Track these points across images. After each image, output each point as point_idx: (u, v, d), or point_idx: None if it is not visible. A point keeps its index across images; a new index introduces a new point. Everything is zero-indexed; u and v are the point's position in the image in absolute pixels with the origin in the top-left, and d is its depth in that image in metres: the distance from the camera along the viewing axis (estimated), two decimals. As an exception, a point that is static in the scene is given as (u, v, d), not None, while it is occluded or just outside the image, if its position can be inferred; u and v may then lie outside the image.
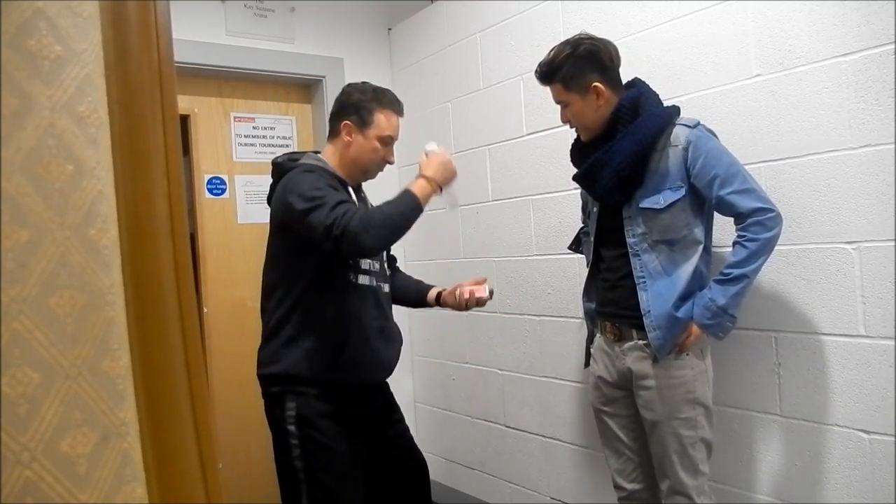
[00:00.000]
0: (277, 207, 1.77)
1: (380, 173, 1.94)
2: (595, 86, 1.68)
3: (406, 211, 1.68)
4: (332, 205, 1.62)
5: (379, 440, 1.92)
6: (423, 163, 1.79)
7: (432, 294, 2.04)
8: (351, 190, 1.86)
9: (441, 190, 1.77)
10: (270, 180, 1.89)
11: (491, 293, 1.96)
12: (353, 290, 1.79)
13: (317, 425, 1.75)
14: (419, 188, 1.71)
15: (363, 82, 1.92)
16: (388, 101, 1.87)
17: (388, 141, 1.87)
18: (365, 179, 1.94)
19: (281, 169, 1.84)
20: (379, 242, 1.66)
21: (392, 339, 1.91)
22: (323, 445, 1.75)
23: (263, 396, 1.84)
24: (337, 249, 1.61)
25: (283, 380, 1.76)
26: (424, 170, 1.76)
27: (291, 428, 1.75)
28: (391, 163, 1.92)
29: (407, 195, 1.69)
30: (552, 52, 1.72)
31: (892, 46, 1.53)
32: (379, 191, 1.98)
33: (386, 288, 1.92)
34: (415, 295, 2.07)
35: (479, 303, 1.95)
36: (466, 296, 1.93)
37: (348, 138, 1.85)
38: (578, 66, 1.68)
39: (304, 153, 1.91)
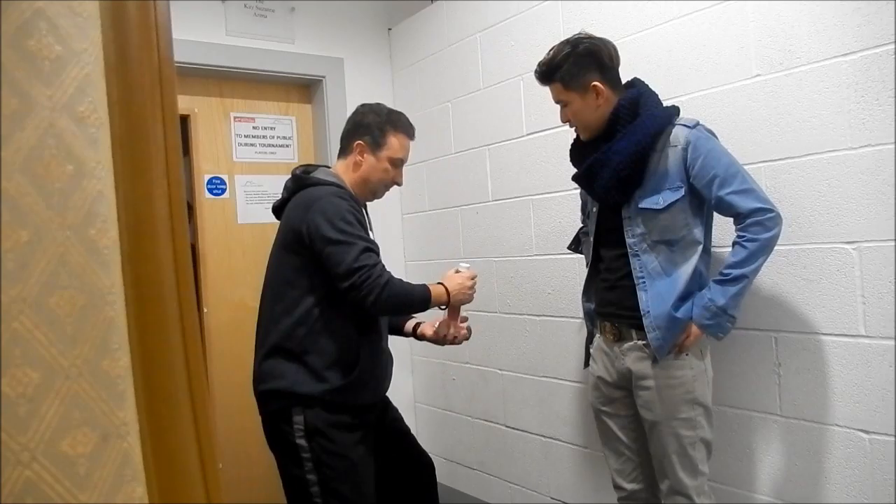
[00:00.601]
0: (297, 223, 1.74)
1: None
2: (595, 85, 1.68)
3: (417, 301, 1.79)
4: (361, 248, 1.67)
5: (382, 442, 1.92)
6: (449, 275, 1.90)
7: (409, 324, 2.05)
8: (365, 213, 1.88)
9: (447, 304, 1.87)
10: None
11: (469, 331, 1.98)
12: (367, 312, 1.77)
13: (328, 435, 1.72)
14: (436, 292, 1.83)
15: (377, 104, 1.96)
16: (402, 124, 1.92)
17: (398, 163, 1.91)
18: (372, 199, 1.96)
19: (300, 182, 1.84)
20: (383, 308, 1.74)
21: (391, 358, 1.94)
22: (336, 455, 1.72)
23: (264, 414, 1.80)
24: (344, 290, 1.67)
25: (286, 395, 1.73)
26: (447, 281, 1.87)
27: (301, 441, 1.71)
28: (399, 184, 1.96)
29: (425, 290, 1.81)
30: (552, 52, 1.72)
31: (892, 46, 1.53)
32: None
33: None
34: (393, 321, 2.03)
35: (462, 337, 1.97)
36: (446, 332, 1.95)
37: (360, 158, 1.88)
38: (578, 64, 1.68)
39: (317, 167, 1.93)
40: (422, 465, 2.01)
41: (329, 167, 1.95)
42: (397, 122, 1.91)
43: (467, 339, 2.00)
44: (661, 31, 2.02)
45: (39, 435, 0.43)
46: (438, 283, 1.86)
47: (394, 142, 1.89)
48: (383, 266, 1.71)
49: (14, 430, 0.42)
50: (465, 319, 1.98)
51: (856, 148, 1.61)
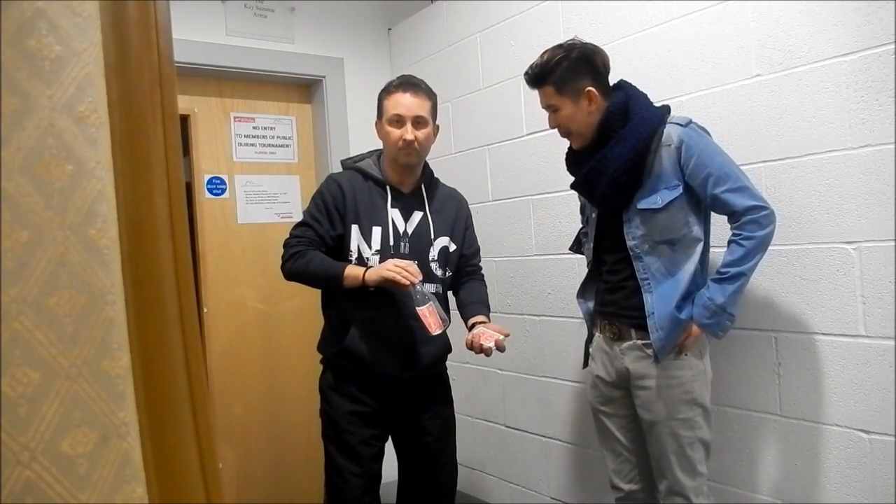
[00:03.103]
0: None
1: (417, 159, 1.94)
2: (589, 90, 1.68)
3: (315, 276, 1.86)
4: (299, 223, 1.92)
5: (400, 443, 2.02)
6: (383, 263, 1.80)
7: (470, 322, 1.94)
8: (389, 191, 1.91)
9: (363, 280, 1.79)
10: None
11: (499, 348, 1.77)
12: (363, 289, 1.81)
13: (328, 398, 1.93)
14: (351, 271, 1.81)
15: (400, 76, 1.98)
16: (395, 84, 1.90)
17: (395, 119, 1.86)
18: (406, 167, 1.91)
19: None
20: (288, 277, 1.89)
21: (417, 339, 1.87)
22: (329, 417, 1.92)
23: None
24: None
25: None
26: (372, 269, 1.80)
27: (321, 394, 1.97)
28: (409, 140, 1.84)
29: (338, 269, 1.82)
30: (545, 56, 1.70)
31: (892, 46, 1.53)
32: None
33: (430, 289, 1.87)
34: (463, 315, 2.00)
35: (484, 351, 1.77)
36: (472, 340, 1.81)
37: (379, 135, 1.95)
38: (572, 69, 1.67)
39: (371, 152, 2.02)
40: (427, 481, 2.01)
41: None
42: (389, 85, 1.93)
43: (495, 351, 1.78)
44: (661, 31, 2.02)
45: (39, 435, 0.43)
46: (364, 268, 1.82)
47: (387, 104, 1.90)
48: (309, 241, 1.86)
49: (14, 430, 0.42)
50: (504, 334, 1.80)
51: (856, 148, 1.61)
